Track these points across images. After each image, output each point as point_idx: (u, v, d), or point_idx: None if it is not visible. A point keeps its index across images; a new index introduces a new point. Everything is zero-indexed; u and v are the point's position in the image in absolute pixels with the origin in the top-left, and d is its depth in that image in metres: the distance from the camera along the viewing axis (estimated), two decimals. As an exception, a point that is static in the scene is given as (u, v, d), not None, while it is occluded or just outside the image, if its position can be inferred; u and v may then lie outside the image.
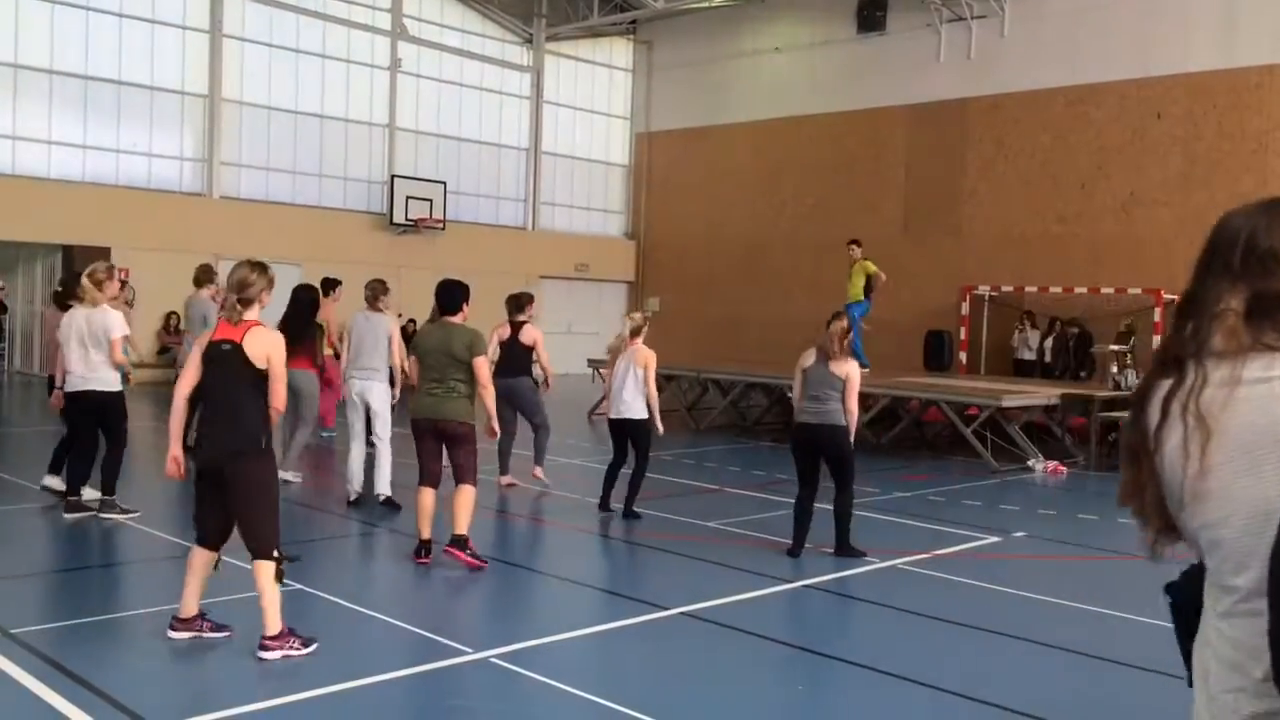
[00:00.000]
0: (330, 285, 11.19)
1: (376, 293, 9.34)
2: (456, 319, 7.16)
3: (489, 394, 7.11)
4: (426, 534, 7.18)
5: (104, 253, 19.33)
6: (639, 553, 8.17)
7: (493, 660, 5.31)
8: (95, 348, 7.91)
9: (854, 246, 15.57)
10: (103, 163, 19.93)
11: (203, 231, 20.49)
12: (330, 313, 11.02)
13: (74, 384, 8.05)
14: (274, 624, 5.18)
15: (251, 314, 5.39)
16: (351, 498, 9.07)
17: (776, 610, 6.75)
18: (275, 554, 5.21)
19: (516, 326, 9.98)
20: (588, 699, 4.85)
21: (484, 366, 7.06)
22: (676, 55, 26.67)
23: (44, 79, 19.21)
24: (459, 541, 7.00)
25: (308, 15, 22.22)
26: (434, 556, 7.10)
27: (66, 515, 8.08)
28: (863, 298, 15.34)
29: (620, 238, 28.12)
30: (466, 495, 7.04)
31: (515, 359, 9.98)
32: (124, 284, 12.25)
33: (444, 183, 23.91)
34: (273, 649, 5.14)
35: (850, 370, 7.71)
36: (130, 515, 8.16)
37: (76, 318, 8.01)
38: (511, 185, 26.17)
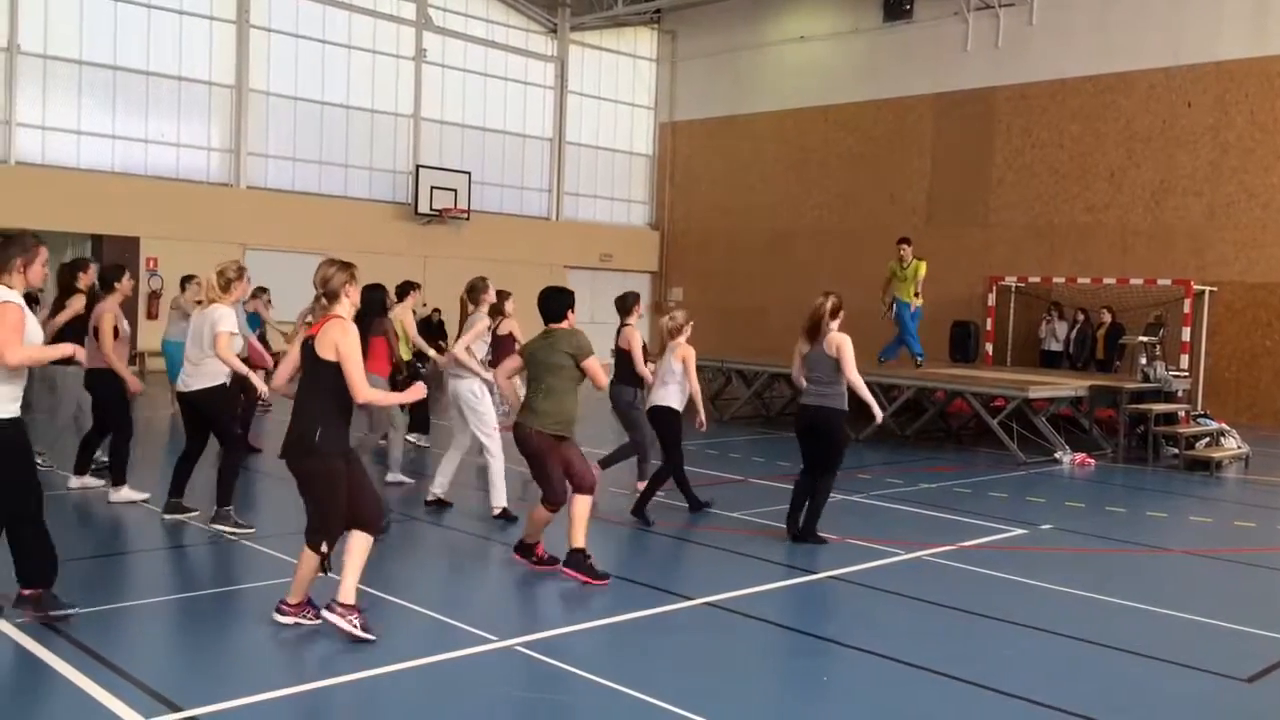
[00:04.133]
0: (407, 289, 10.91)
1: (477, 291, 9.00)
2: (563, 325, 6.80)
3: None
4: (530, 540, 6.93)
5: (133, 243, 19.57)
6: (663, 543, 8.18)
7: (517, 648, 5.34)
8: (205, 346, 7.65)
9: (905, 246, 14.94)
10: (131, 153, 20.09)
11: (230, 221, 20.63)
12: (406, 316, 10.92)
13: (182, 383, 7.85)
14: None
15: (339, 308, 5.39)
16: (429, 499, 8.73)
17: (801, 601, 6.74)
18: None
19: (619, 330, 9.49)
20: (612, 687, 4.86)
21: (595, 367, 6.68)
22: (701, 45, 26.59)
23: (73, 69, 19.38)
24: (572, 559, 6.67)
25: (333, 6, 22.31)
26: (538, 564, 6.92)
27: (166, 516, 7.93)
28: (915, 299, 15.03)
29: (644, 228, 28.09)
30: (580, 506, 6.70)
31: (614, 365, 9.49)
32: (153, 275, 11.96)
33: (468, 173, 23.97)
34: (338, 613, 5.33)
35: (839, 343, 7.84)
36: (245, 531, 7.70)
37: (194, 318, 7.84)
38: (536, 175, 26.19)
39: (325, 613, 5.34)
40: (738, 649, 5.65)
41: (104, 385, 8.52)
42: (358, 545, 5.42)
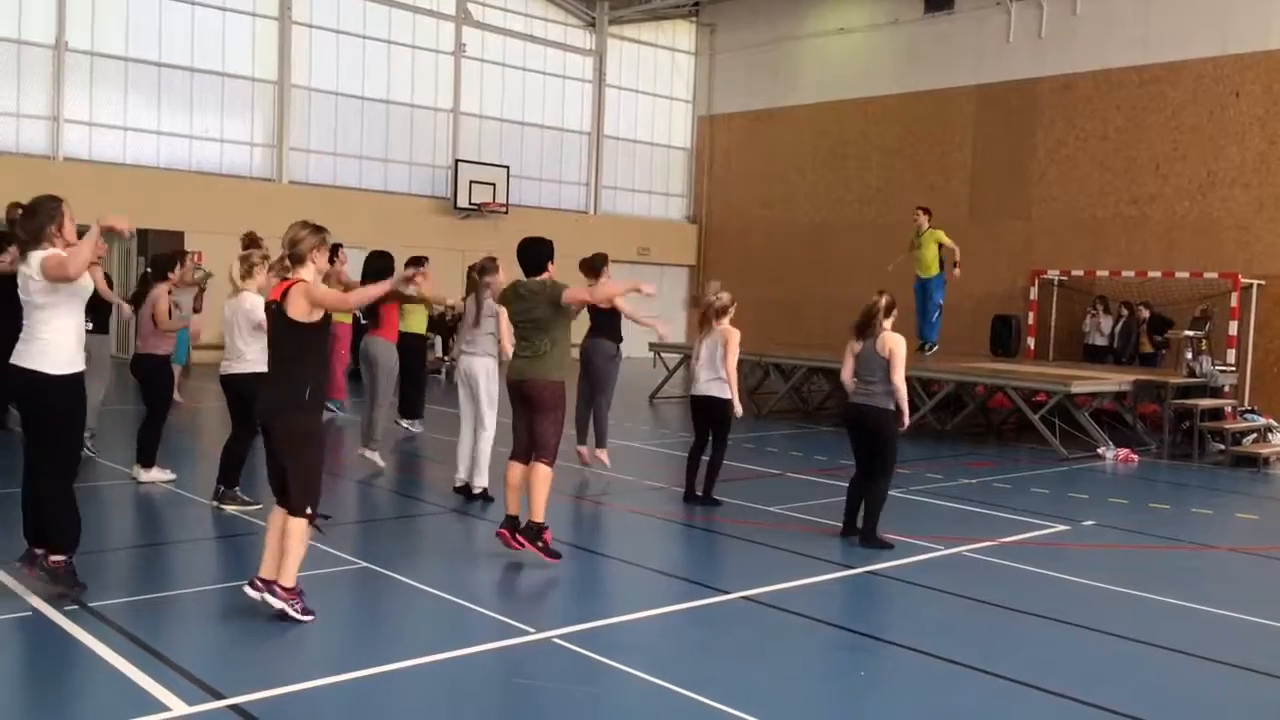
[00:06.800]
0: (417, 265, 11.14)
1: (486, 269, 8.95)
2: (542, 278, 6.84)
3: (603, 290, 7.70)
4: (514, 509, 6.83)
5: (178, 237, 19.80)
6: (700, 537, 8.17)
7: (555, 640, 5.36)
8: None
9: (921, 214, 15.17)
10: (176, 149, 20.37)
11: (272, 216, 20.63)
12: (426, 288, 11.09)
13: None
14: (289, 578, 5.40)
15: (304, 272, 5.43)
16: (457, 484, 8.80)
17: (839, 596, 6.71)
18: (308, 512, 5.40)
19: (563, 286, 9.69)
20: (649, 680, 4.87)
21: (578, 293, 6.90)
22: (739, 38, 26.48)
23: (119, 66, 19.67)
24: (531, 531, 6.67)
25: (374, 1, 22.47)
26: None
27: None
28: (938, 271, 15.05)
29: (682, 221, 28.06)
30: (543, 477, 6.64)
31: (593, 320, 9.69)
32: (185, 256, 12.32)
33: (507, 167, 24.05)
34: (280, 598, 5.35)
35: (893, 345, 7.61)
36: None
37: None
38: (574, 169, 26.23)
39: (267, 596, 5.34)
40: (775, 643, 5.63)
41: (151, 369, 8.79)
42: (298, 533, 5.38)
